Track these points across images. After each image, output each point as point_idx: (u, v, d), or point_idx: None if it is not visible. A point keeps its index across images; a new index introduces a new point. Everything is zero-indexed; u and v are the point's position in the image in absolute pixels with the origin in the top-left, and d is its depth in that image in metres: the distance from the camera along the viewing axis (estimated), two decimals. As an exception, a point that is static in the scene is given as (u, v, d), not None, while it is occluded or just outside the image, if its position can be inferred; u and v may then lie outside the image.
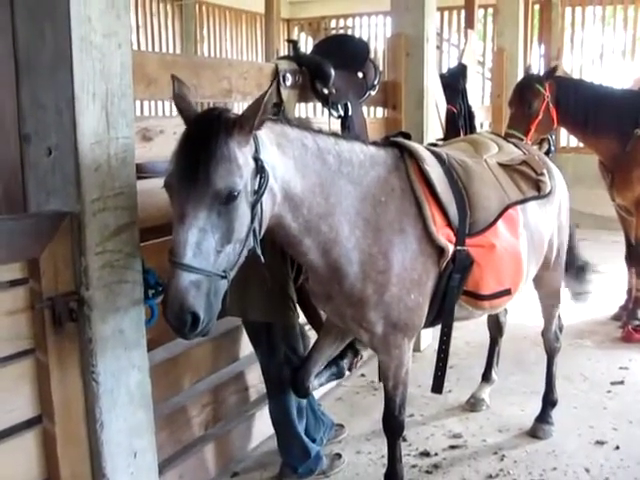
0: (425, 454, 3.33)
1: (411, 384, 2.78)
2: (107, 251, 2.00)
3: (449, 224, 2.54)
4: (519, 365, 4.41)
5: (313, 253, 2.34)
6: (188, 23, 10.44)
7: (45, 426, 1.94)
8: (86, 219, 1.93)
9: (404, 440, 3.33)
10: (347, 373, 3.13)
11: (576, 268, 3.70)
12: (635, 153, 4.80)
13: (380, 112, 5.08)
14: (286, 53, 7.64)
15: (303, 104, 4.66)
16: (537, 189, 2.96)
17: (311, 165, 2.26)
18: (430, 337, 4.65)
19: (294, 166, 2.20)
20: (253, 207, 2.01)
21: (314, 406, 3.26)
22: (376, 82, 3.91)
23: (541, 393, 3.59)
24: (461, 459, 3.29)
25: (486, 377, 3.89)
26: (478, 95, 7.89)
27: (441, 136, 5.03)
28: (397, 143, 2.67)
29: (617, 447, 3.36)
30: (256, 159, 2.02)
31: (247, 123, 1.96)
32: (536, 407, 3.59)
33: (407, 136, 2.84)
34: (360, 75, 3.81)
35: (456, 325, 2.70)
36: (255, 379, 3.28)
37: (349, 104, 3.56)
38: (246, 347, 3.19)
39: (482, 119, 6.90)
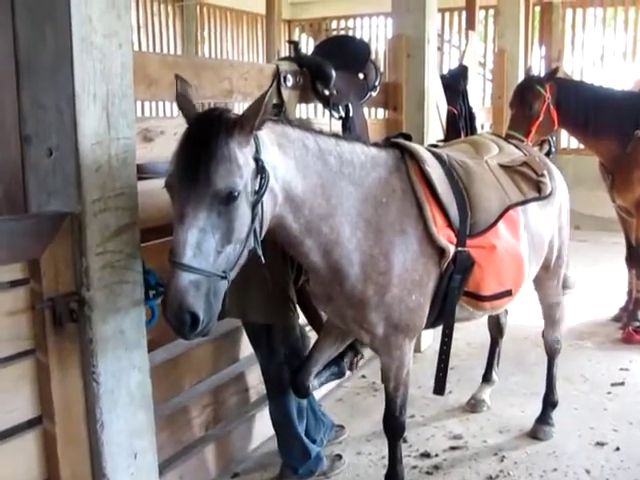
0: (426, 455, 3.33)
1: (412, 385, 2.78)
2: (108, 252, 2.00)
3: (450, 225, 2.54)
4: (520, 366, 4.40)
5: (314, 254, 2.34)
6: (189, 24, 10.45)
7: (45, 426, 1.94)
8: (87, 220, 1.94)
9: (404, 441, 3.32)
10: (347, 373, 3.13)
11: None
12: (635, 154, 4.80)
13: (381, 113, 5.09)
14: (287, 54, 7.66)
15: (304, 105, 4.67)
16: (538, 190, 2.96)
17: (312, 166, 2.26)
18: (430, 338, 4.65)
19: (295, 167, 2.20)
20: (254, 207, 2.01)
21: (314, 407, 3.26)
22: (377, 83, 3.91)
23: (541, 394, 3.59)
24: (461, 460, 3.29)
25: (487, 378, 3.89)
26: (479, 96, 7.90)
27: (442, 137, 5.04)
28: (398, 144, 2.67)
29: (617, 448, 3.36)
30: (257, 159, 2.02)
31: (248, 123, 1.96)
32: (536, 408, 3.59)
33: (408, 137, 2.84)
34: (361, 76, 3.81)
35: (457, 326, 2.70)
36: (255, 380, 3.28)
37: (350, 105, 3.56)
38: (246, 348, 3.19)
39: (483, 120, 6.91)
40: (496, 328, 3.85)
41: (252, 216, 2.01)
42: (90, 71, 1.91)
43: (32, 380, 1.89)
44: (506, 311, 3.68)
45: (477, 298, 2.67)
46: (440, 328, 2.71)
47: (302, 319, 3.13)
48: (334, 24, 11.80)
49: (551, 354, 3.57)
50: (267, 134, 2.11)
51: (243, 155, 1.97)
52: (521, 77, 6.68)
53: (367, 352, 3.11)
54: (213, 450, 3.08)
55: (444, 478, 3.14)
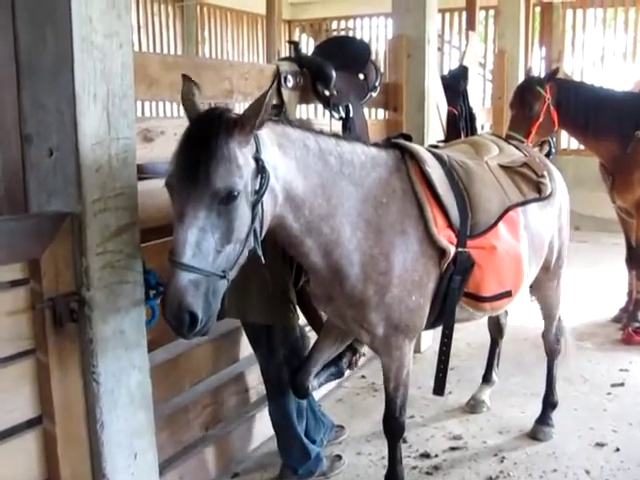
0: (425, 455, 3.33)
1: (411, 385, 2.78)
2: (108, 252, 2.01)
3: (450, 226, 2.54)
4: (519, 367, 4.40)
5: (314, 254, 2.34)
6: (189, 24, 10.44)
7: (45, 426, 1.94)
8: (87, 220, 1.94)
9: (404, 441, 3.32)
10: (346, 372, 3.13)
11: None
12: (636, 155, 4.81)
13: (381, 114, 5.09)
14: (287, 54, 7.66)
15: (304, 105, 4.66)
16: (538, 191, 2.96)
17: (313, 166, 2.26)
18: (430, 338, 4.65)
19: (296, 166, 2.20)
20: (254, 207, 2.01)
21: (314, 407, 3.26)
22: (377, 84, 3.92)
23: (541, 395, 3.59)
24: (461, 461, 3.29)
25: (486, 379, 3.89)
26: (479, 97, 7.90)
27: (442, 138, 5.04)
28: (398, 144, 2.68)
29: (617, 449, 3.36)
30: (257, 159, 2.02)
31: (248, 123, 1.96)
32: (536, 409, 3.59)
33: (408, 138, 2.84)
34: (361, 77, 3.81)
35: (457, 327, 2.70)
36: (255, 380, 3.28)
37: (350, 106, 3.56)
38: (246, 348, 3.19)
39: (483, 121, 6.91)
40: (496, 329, 3.86)
41: (252, 216, 2.01)
42: (90, 71, 1.91)
43: (32, 380, 1.90)
44: (506, 312, 3.68)
45: (477, 299, 2.67)
46: (440, 329, 2.71)
47: (302, 319, 3.13)
48: (334, 24, 11.79)
49: (551, 355, 3.57)
50: (268, 134, 2.11)
51: (243, 155, 1.98)
52: (521, 78, 6.68)
53: (367, 352, 3.11)
54: (213, 450, 3.08)
55: (444, 478, 3.14)
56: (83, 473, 2.03)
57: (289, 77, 3.34)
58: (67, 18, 1.84)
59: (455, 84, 5.51)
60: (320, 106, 3.72)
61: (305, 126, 2.44)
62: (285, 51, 9.76)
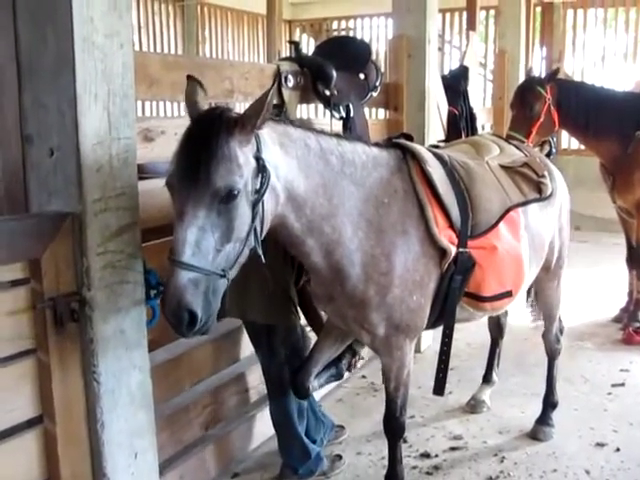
0: (425, 455, 3.33)
1: (411, 385, 2.78)
2: (108, 252, 2.01)
3: (451, 226, 2.54)
4: (520, 367, 4.40)
5: (316, 254, 2.34)
6: (190, 24, 10.44)
7: (46, 426, 1.94)
8: (87, 219, 1.94)
9: (405, 441, 3.32)
10: (346, 374, 3.13)
11: None
12: (636, 155, 4.81)
13: (382, 114, 5.09)
14: (288, 54, 7.66)
15: (305, 105, 4.67)
16: (538, 191, 2.96)
17: (314, 165, 2.26)
18: (430, 338, 4.65)
19: (297, 166, 2.20)
20: (254, 206, 2.01)
21: (314, 407, 3.26)
22: (378, 83, 3.92)
23: (541, 395, 3.59)
24: (461, 461, 3.29)
25: (487, 379, 3.89)
26: (479, 97, 7.90)
27: (442, 138, 5.04)
28: (399, 144, 2.67)
29: (617, 449, 3.36)
30: (257, 158, 2.01)
31: (249, 122, 1.96)
32: (537, 409, 3.59)
33: (409, 138, 2.84)
34: (362, 76, 3.81)
35: (457, 326, 2.70)
36: (256, 380, 3.28)
37: (351, 105, 3.56)
38: (247, 348, 3.19)
39: (483, 121, 6.91)
40: (496, 329, 3.86)
41: (252, 215, 2.01)
42: (91, 71, 1.91)
43: (33, 379, 1.90)
44: (506, 312, 3.68)
45: (478, 299, 2.67)
46: (440, 329, 2.72)
47: (302, 319, 3.13)
48: (335, 24, 11.79)
49: (551, 355, 3.57)
50: (269, 133, 2.11)
51: (243, 154, 1.97)
52: (522, 78, 6.68)
53: (367, 352, 3.11)
54: (213, 450, 3.08)
55: (444, 478, 3.14)
56: (83, 473, 2.03)
57: (290, 77, 3.34)
58: (68, 18, 1.84)
59: (456, 84, 5.51)
60: (321, 106, 3.72)
61: (306, 126, 2.44)
62: (285, 51, 9.76)
